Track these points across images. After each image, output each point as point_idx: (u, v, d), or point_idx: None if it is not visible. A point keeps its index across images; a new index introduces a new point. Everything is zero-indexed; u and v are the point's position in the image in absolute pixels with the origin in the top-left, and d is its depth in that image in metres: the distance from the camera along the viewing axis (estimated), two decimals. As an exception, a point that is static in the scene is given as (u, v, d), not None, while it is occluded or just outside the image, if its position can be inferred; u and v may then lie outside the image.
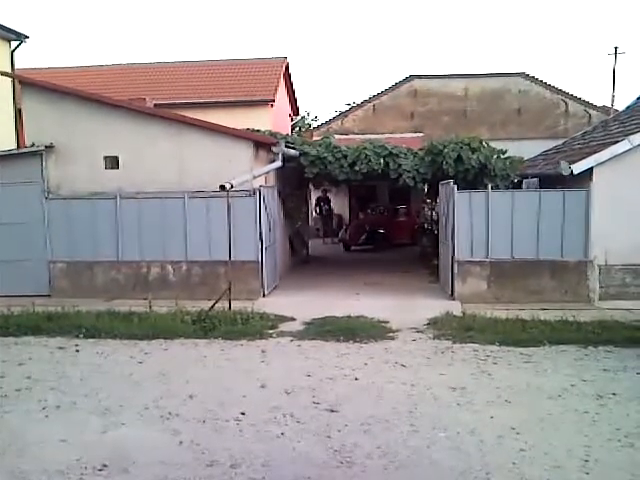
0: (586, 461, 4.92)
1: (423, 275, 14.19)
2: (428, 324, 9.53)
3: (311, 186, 18.72)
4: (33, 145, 12.01)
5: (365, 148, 13.39)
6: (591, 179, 10.85)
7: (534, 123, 23.49)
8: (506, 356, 7.88)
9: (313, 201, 22.81)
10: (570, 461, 4.93)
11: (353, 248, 20.27)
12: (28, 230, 11.97)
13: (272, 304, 10.89)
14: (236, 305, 10.29)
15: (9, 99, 16.39)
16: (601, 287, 10.93)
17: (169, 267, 11.86)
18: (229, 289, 10.41)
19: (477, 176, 12.71)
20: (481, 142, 13.01)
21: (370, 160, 13.20)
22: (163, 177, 11.77)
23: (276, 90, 22.57)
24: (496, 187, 12.13)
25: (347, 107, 28.63)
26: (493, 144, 13.44)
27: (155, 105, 15.99)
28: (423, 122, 23.83)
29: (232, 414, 5.99)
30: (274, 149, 12.37)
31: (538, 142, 19.98)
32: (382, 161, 13.22)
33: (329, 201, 22.88)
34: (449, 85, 24.07)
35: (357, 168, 13.32)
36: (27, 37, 16.80)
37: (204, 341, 8.83)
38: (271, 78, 23.01)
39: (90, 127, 11.93)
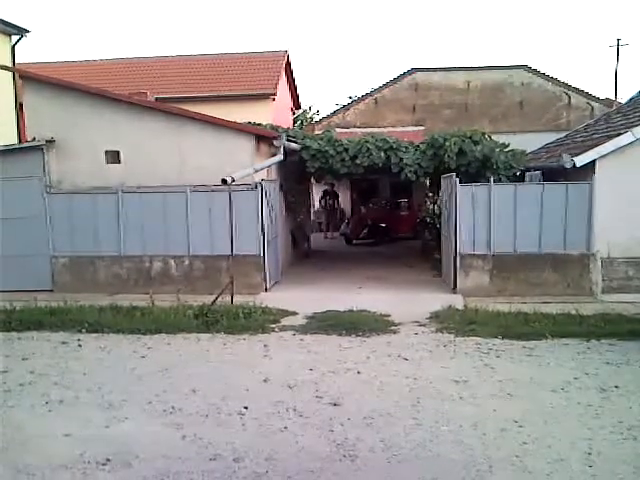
0: (589, 454, 4.93)
1: (425, 269, 14.18)
2: (430, 317, 9.53)
3: (313, 180, 18.66)
4: (34, 140, 12.01)
5: (366, 142, 13.35)
6: (594, 172, 10.81)
7: (536, 116, 23.40)
8: (508, 349, 7.88)
9: (315, 195, 22.72)
10: (573, 454, 4.93)
11: (355, 242, 20.25)
12: (30, 225, 11.96)
13: (274, 298, 10.88)
14: (238, 299, 10.30)
15: (10, 94, 16.37)
16: (604, 280, 10.90)
17: (171, 261, 11.85)
18: (231, 283, 10.41)
19: (479, 169, 12.66)
20: (483, 135, 12.96)
21: (371, 154, 13.16)
22: (164, 171, 11.76)
23: (277, 84, 22.52)
24: (498, 180, 12.09)
25: (348, 100, 28.64)
26: (495, 137, 13.40)
27: (156, 99, 15.97)
28: (425, 115, 23.74)
29: (235, 408, 6.00)
30: (275, 143, 12.34)
31: (540, 135, 19.92)
32: (383, 155, 13.19)
33: (336, 195, 22.66)
34: (451, 78, 23.95)
35: (358, 162, 13.28)
36: (28, 31, 16.78)
37: (207, 335, 8.85)
38: (272, 72, 22.96)
39: (91, 121, 11.92)
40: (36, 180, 11.99)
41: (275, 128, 14.36)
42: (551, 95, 23.67)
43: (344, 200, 24.68)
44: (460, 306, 10.08)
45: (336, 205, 22.62)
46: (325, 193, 22.38)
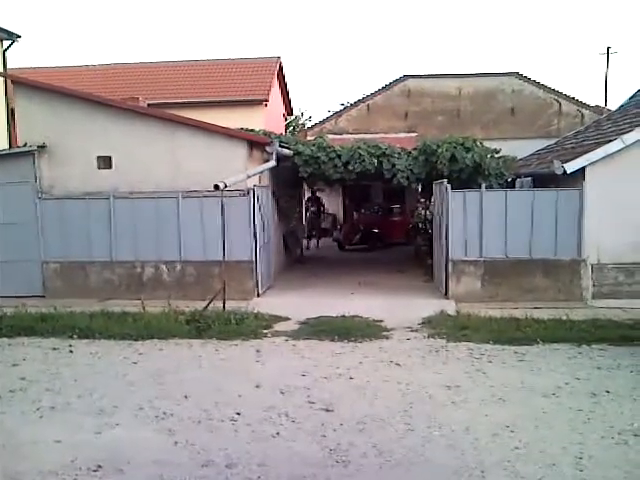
0: (580, 458, 4.95)
1: (417, 274, 14.21)
2: (423, 323, 9.55)
3: (305, 186, 18.64)
4: (26, 145, 11.96)
5: (359, 148, 13.39)
6: (584, 178, 10.89)
7: (527, 122, 23.54)
8: (500, 354, 7.91)
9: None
10: (564, 458, 4.95)
11: (347, 248, 20.26)
12: (21, 230, 11.90)
13: (266, 304, 10.88)
14: (230, 305, 10.27)
15: (1, 99, 16.28)
16: (594, 286, 10.97)
17: (163, 267, 11.82)
18: (223, 289, 10.39)
19: (471, 175, 12.73)
20: (475, 142, 13.04)
21: (364, 160, 13.20)
22: (157, 177, 11.74)
23: (270, 90, 22.56)
24: (490, 186, 12.17)
25: (341, 107, 28.60)
26: (487, 144, 13.47)
27: (148, 105, 15.94)
28: (417, 122, 23.83)
29: (227, 414, 5.98)
30: (268, 149, 12.37)
31: (531, 141, 20.01)
32: (376, 161, 13.24)
33: (320, 202, 22.29)
34: (443, 85, 24.07)
35: (351, 167, 13.31)
36: (19, 36, 16.69)
37: (198, 341, 8.82)
38: (265, 78, 23.00)
39: (83, 127, 11.89)
40: (28, 185, 11.93)
41: (268, 134, 14.38)
42: (542, 102, 23.84)
43: (337, 206, 24.67)
44: (452, 311, 10.11)
45: (322, 211, 22.37)
46: (308, 200, 22.02)
